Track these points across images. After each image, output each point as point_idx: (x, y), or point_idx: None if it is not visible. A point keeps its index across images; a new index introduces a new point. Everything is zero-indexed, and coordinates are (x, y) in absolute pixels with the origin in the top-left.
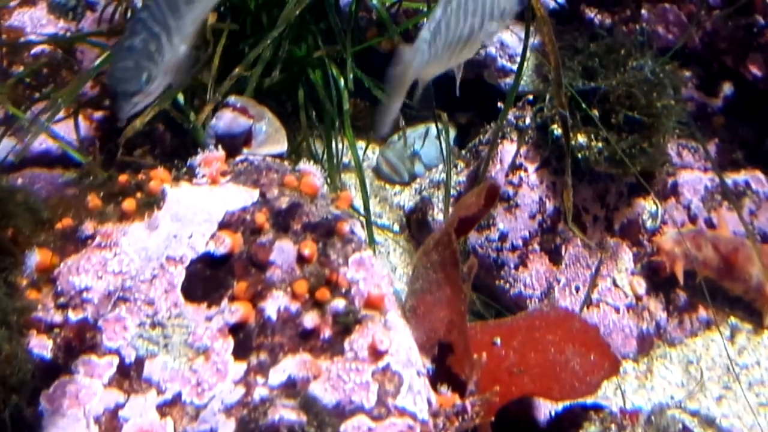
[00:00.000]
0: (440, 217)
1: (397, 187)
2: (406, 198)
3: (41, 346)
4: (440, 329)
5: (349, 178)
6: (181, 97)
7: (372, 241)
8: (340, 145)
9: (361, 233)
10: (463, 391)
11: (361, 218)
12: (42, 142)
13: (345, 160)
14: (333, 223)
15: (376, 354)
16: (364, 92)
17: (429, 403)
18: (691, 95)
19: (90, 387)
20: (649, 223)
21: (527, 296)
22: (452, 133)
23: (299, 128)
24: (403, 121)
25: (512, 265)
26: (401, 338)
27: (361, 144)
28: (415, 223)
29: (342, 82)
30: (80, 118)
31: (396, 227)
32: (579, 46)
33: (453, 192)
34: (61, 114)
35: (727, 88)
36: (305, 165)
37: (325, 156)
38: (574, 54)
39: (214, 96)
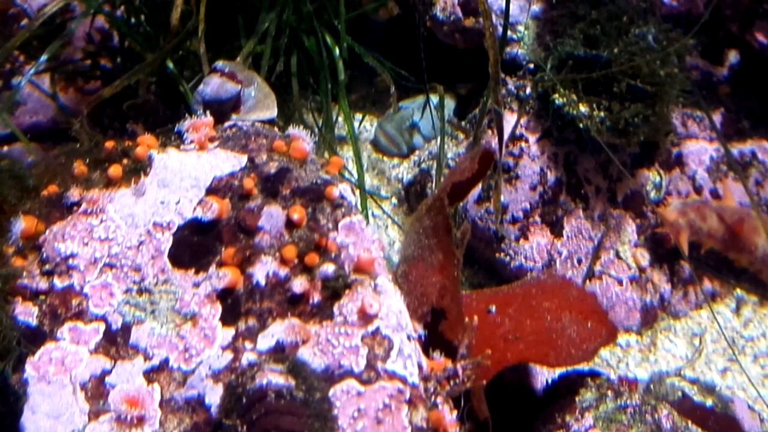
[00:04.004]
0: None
1: (396, 160)
2: (405, 170)
3: (27, 312)
4: (433, 295)
5: (347, 151)
6: (170, 65)
7: (365, 209)
8: (335, 117)
9: (351, 198)
10: (455, 356)
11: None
12: (32, 116)
13: (341, 132)
14: (322, 188)
15: (365, 318)
16: (361, 64)
17: (420, 367)
18: (695, 63)
19: (76, 353)
20: (653, 194)
21: (528, 269)
22: (452, 104)
23: (293, 98)
24: (394, 93)
25: (513, 238)
26: (391, 302)
27: (357, 116)
28: (414, 196)
29: (337, 51)
30: (71, 90)
31: (394, 200)
32: (580, 13)
33: (451, 164)
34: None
35: (732, 56)
36: (295, 130)
37: (321, 124)
38: (576, 21)
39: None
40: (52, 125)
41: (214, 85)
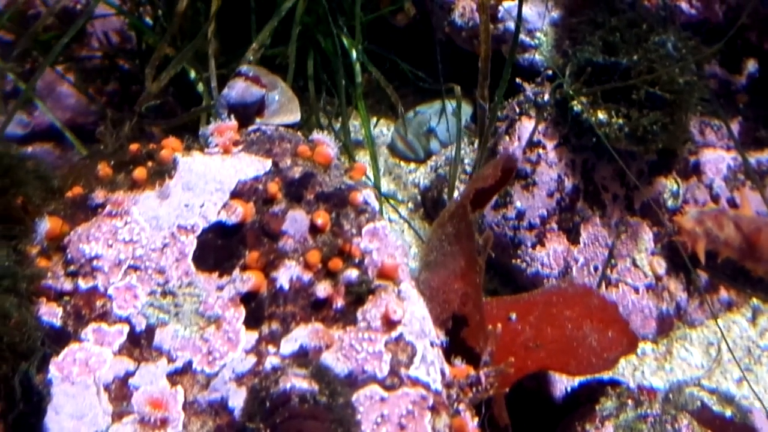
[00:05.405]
0: (455, 194)
1: (412, 165)
2: (421, 176)
3: (51, 313)
4: (454, 301)
5: (363, 155)
6: (192, 72)
7: (380, 213)
8: (351, 120)
9: (375, 204)
10: (477, 363)
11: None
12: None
13: (358, 136)
14: (346, 193)
15: (389, 324)
16: (379, 66)
17: (442, 373)
18: (714, 72)
19: (100, 355)
20: (670, 202)
21: (544, 275)
22: (469, 110)
23: (308, 102)
24: (399, 105)
25: (529, 244)
26: (415, 308)
27: (372, 120)
28: (431, 202)
29: (354, 54)
30: (91, 91)
31: (410, 205)
32: (599, 20)
33: (468, 169)
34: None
35: (751, 65)
36: (319, 135)
37: (338, 127)
38: (595, 28)
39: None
40: (71, 125)
41: (239, 89)
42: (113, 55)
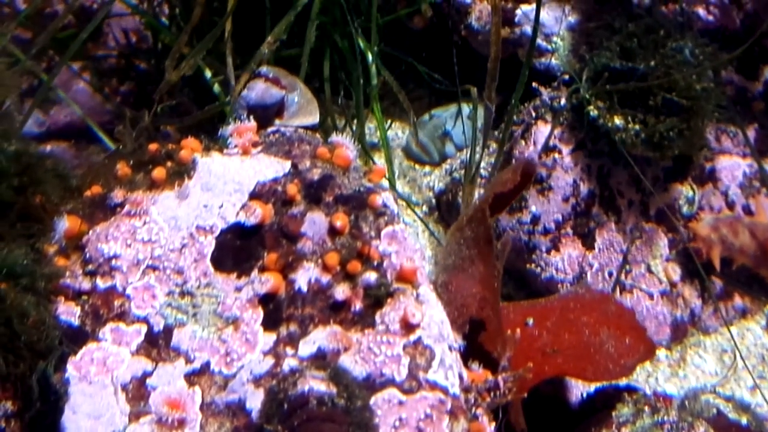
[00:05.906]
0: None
1: (427, 168)
2: (436, 179)
3: (69, 312)
4: (472, 306)
5: (378, 157)
6: (207, 72)
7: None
8: (366, 123)
9: (394, 206)
10: (494, 368)
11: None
12: (66, 114)
13: (373, 139)
14: (365, 196)
15: (407, 327)
16: (393, 69)
17: (461, 378)
18: (731, 78)
19: (118, 354)
20: (685, 209)
21: (559, 281)
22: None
23: (324, 104)
24: (410, 112)
25: (544, 249)
26: (433, 312)
27: (387, 122)
28: (445, 205)
29: (370, 56)
30: (106, 91)
31: (425, 208)
32: (617, 26)
33: (484, 173)
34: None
35: None
36: (338, 137)
37: (354, 128)
38: (612, 33)
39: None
40: (86, 124)
41: (258, 90)
42: (129, 54)
